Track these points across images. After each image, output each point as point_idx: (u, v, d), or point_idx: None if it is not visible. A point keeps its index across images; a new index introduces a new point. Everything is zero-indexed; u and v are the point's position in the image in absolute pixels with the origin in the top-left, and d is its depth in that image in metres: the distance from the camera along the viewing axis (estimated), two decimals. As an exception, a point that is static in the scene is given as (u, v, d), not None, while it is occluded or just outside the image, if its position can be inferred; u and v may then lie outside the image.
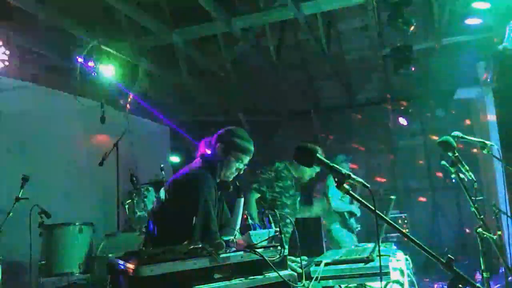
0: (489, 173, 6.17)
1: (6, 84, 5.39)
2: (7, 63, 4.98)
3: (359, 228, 6.03)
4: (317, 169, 3.66)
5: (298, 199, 3.87)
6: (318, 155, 1.64)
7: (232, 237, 1.93)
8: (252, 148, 2.57)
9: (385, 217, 1.51)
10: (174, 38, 5.52)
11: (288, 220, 3.41)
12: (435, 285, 5.85)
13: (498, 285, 5.00)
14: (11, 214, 4.60)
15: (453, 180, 7.25)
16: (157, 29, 5.28)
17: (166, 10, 5.64)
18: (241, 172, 2.57)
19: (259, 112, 9.25)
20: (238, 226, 2.53)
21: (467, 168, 2.60)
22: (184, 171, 2.55)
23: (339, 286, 2.12)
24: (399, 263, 2.58)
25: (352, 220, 5.96)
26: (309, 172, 3.75)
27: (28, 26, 5.20)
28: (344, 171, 1.53)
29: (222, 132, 2.59)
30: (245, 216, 2.11)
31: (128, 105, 6.78)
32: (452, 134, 2.76)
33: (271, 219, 2.51)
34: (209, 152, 2.54)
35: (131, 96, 6.78)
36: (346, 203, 5.84)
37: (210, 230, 2.27)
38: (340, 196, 5.82)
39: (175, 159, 8.66)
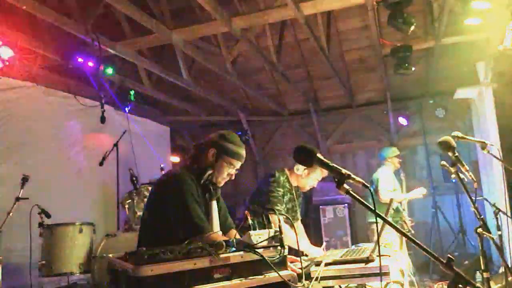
0: (489, 173, 6.16)
1: (6, 84, 5.39)
2: (7, 63, 4.98)
3: (412, 224, 5.83)
4: (319, 177, 3.41)
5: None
6: (318, 155, 1.64)
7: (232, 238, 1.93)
8: (243, 153, 2.53)
9: (385, 217, 1.51)
10: (174, 38, 5.52)
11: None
12: (435, 285, 5.85)
13: (498, 285, 5.00)
14: (11, 214, 4.60)
15: (453, 180, 7.21)
16: (157, 29, 5.28)
17: (166, 10, 5.64)
18: (233, 178, 2.54)
19: (259, 112, 9.26)
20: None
21: (467, 168, 2.60)
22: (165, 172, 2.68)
23: (339, 286, 2.12)
24: (399, 263, 2.58)
25: (405, 213, 5.83)
26: (311, 182, 3.45)
27: (28, 26, 5.20)
28: (344, 171, 1.53)
29: (213, 137, 2.53)
30: (246, 216, 2.09)
31: (128, 105, 6.78)
32: (452, 134, 2.75)
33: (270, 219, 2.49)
34: (198, 156, 2.51)
35: (131, 96, 6.78)
36: (398, 195, 5.74)
37: (195, 224, 2.26)
38: (392, 188, 5.76)
39: (175, 159, 8.67)
